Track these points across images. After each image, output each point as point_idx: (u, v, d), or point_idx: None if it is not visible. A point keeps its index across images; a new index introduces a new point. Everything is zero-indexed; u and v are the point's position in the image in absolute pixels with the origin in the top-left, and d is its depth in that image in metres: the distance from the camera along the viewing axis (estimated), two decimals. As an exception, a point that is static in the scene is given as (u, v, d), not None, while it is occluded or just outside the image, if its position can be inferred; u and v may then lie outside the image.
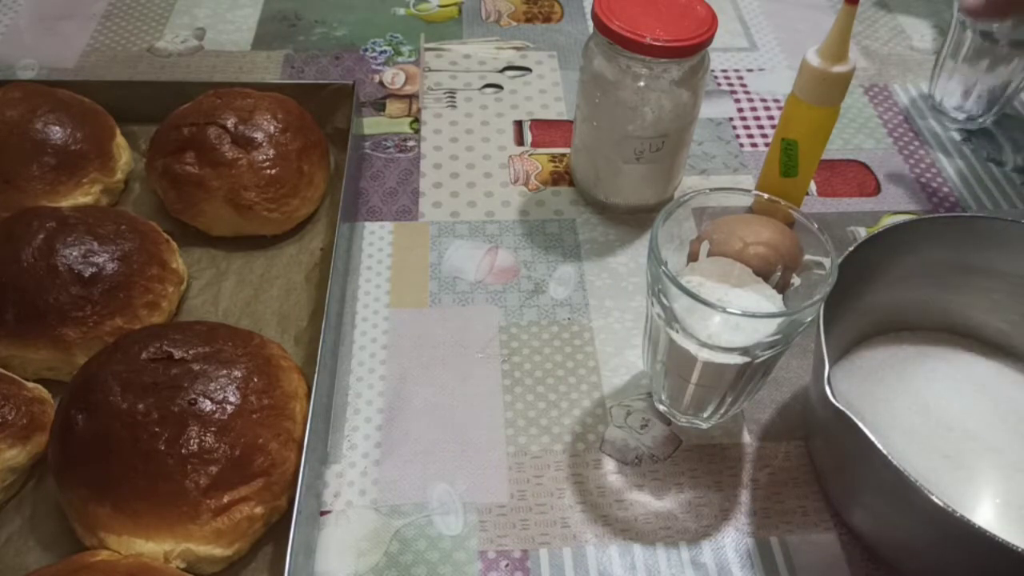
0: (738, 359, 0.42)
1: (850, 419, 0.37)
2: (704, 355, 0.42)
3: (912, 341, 0.51)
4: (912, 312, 0.51)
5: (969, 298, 0.50)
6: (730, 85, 0.74)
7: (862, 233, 0.62)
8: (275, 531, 0.44)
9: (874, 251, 0.46)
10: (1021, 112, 0.72)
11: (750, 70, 0.76)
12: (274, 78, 0.72)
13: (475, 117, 0.70)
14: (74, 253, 0.49)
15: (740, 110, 0.71)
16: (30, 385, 0.48)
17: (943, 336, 0.52)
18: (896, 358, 0.51)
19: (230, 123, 0.56)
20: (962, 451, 0.46)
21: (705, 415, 0.48)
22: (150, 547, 0.40)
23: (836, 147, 0.68)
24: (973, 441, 0.46)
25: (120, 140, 0.62)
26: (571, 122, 0.69)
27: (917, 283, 0.50)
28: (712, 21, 0.52)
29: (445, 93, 0.72)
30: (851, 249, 0.45)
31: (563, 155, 0.67)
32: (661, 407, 0.50)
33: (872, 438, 0.37)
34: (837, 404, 0.38)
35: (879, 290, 0.49)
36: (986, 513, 0.43)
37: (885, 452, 0.36)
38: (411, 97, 0.71)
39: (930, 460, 0.45)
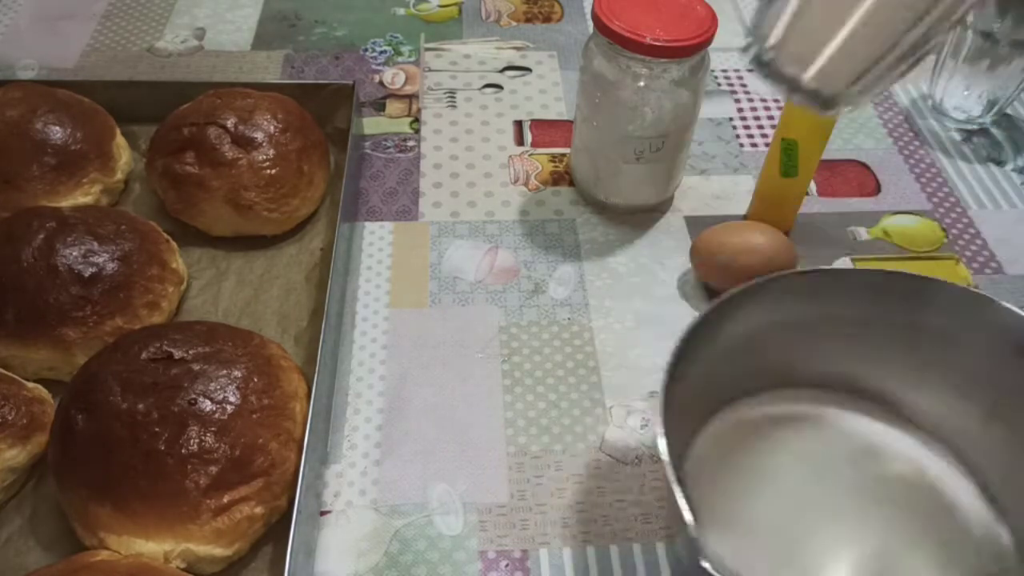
0: None
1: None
2: None
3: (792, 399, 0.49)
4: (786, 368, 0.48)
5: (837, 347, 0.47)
6: (730, 85, 0.74)
7: (862, 233, 0.62)
8: (275, 531, 0.44)
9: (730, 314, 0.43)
10: (1021, 112, 0.72)
11: (750, 70, 0.76)
12: (274, 78, 0.72)
13: (475, 117, 0.70)
14: (74, 253, 0.49)
15: (740, 110, 0.71)
16: (30, 385, 0.48)
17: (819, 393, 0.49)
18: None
19: (230, 123, 0.56)
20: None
21: (847, 75, 0.29)
22: (150, 547, 0.40)
23: (836, 147, 0.68)
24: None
25: (120, 140, 0.62)
26: (571, 122, 0.69)
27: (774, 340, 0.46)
28: (712, 21, 0.52)
29: (445, 93, 0.72)
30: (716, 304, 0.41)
31: (563, 155, 0.67)
32: (775, 58, 0.31)
33: None
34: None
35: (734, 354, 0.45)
36: None
37: None
38: (411, 97, 0.71)
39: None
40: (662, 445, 0.36)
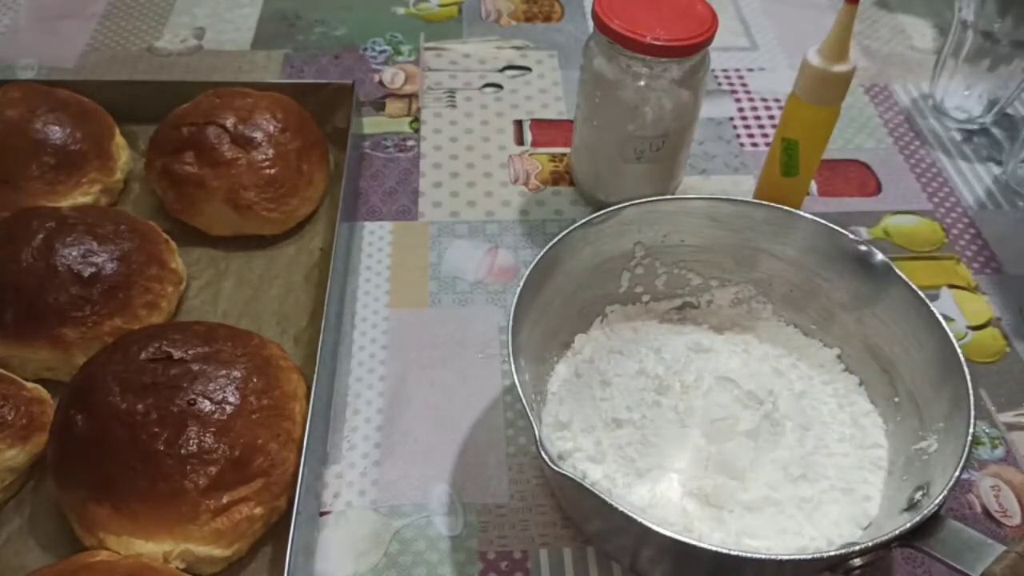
0: None
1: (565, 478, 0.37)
2: None
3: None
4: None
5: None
6: (731, 85, 0.74)
7: (863, 233, 0.62)
8: (274, 532, 0.44)
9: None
10: (1021, 112, 0.72)
11: (751, 70, 0.75)
12: (274, 78, 0.72)
13: (475, 117, 0.70)
14: (73, 253, 0.49)
15: (740, 110, 0.71)
16: (30, 385, 0.48)
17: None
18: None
19: (229, 123, 0.56)
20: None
21: None
22: (149, 547, 0.40)
23: (837, 147, 0.68)
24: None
25: (119, 140, 0.62)
26: (571, 122, 0.69)
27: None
28: (712, 20, 0.52)
29: (445, 92, 0.72)
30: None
31: (563, 155, 0.66)
32: None
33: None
34: (555, 468, 0.37)
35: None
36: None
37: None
38: (411, 96, 0.71)
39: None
40: (515, 372, 0.40)
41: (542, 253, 0.45)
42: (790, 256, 0.50)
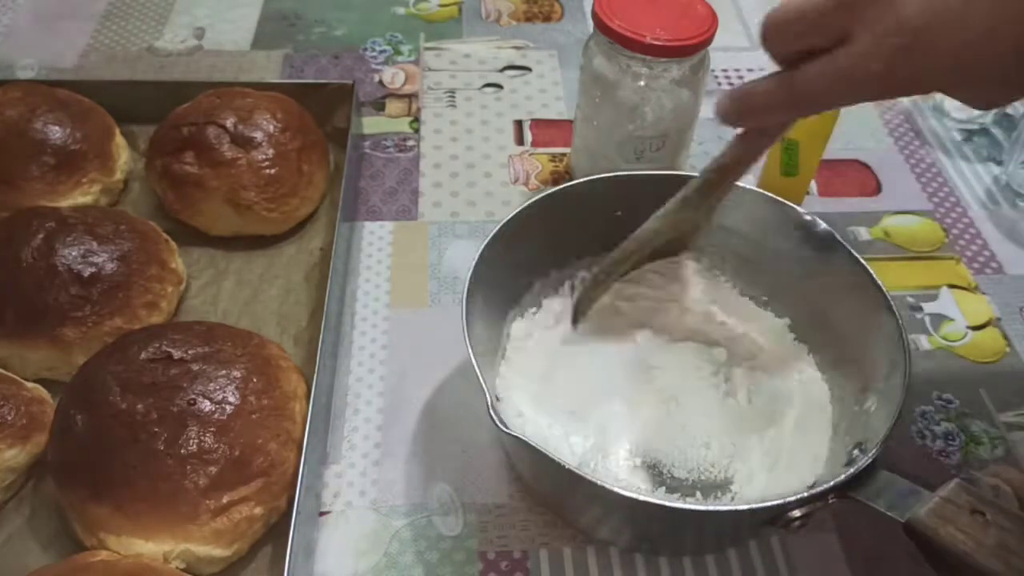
0: None
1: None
2: None
3: None
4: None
5: None
6: (731, 85, 0.74)
7: (863, 233, 0.62)
8: (274, 531, 0.44)
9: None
10: (1021, 112, 0.72)
11: (751, 70, 0.75)
12: (273, 78, 0.72)
13: (475, 116, 0.70)
14: (73, 253, 0.49)
15: (740, 110, 0.71)
16: (29, 385, 0.48)
17: None
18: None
19: (229, 123, 0.56)
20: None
21: None
22: (149, 547, 0.40)
23: (837, 147, 0.68)
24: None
25: (119, 140, 0.62)
26: (571, 122, 0.69)
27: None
28: (712, 20, 0.52)
29: (445, 92, 0.72)
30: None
31: (563, 155, 0.66)
32: None
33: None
34: (506, 430, 0.39)
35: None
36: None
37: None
38: (411, 96, 0.71)
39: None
40: (467, 341, 0.42)
41: (501, 223, 0.47)
42: (742, 229, 0.51)
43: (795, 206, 0.48)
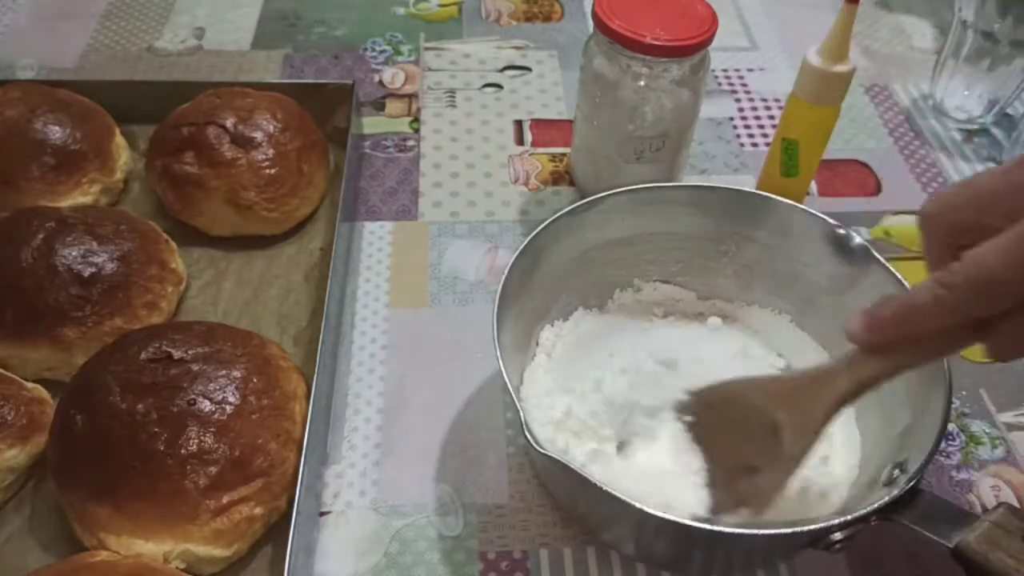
0: None
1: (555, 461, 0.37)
2: None
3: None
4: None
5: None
6: (731, 85, 0.74)
7: (863, 233, 0.62)
8: (274, 532, 0.44)
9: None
10: (1021, 112, 0.72)
11: (751, 70, 0.75)
12: (273, 78, 0.72)
13: (475, 116, 0.70)
14: (73, 253, 0.49)
15: (741, 110, 0.71)
16: (29, 385, 0.48)
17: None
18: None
19: (229, 123, 0.56)
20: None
21: None
22: (149, 547, 0.40)
23: (837, 147, 0.68)
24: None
25: (119, 140, 0.62)
26: (571, 122, 0.69)
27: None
28: (712, 20, 0.52)
29: (445, 92, 0.72)
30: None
31: (563, 155, 0.66)
32: None
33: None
34: (541, 451, 0.38)
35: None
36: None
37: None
38: (411, 96, 0.71)
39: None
40: (497, 350, 0.42)
41: (526, 242, 0.45)
42: (771, 242, 0.50)
43: (828, 218, 0.47)
